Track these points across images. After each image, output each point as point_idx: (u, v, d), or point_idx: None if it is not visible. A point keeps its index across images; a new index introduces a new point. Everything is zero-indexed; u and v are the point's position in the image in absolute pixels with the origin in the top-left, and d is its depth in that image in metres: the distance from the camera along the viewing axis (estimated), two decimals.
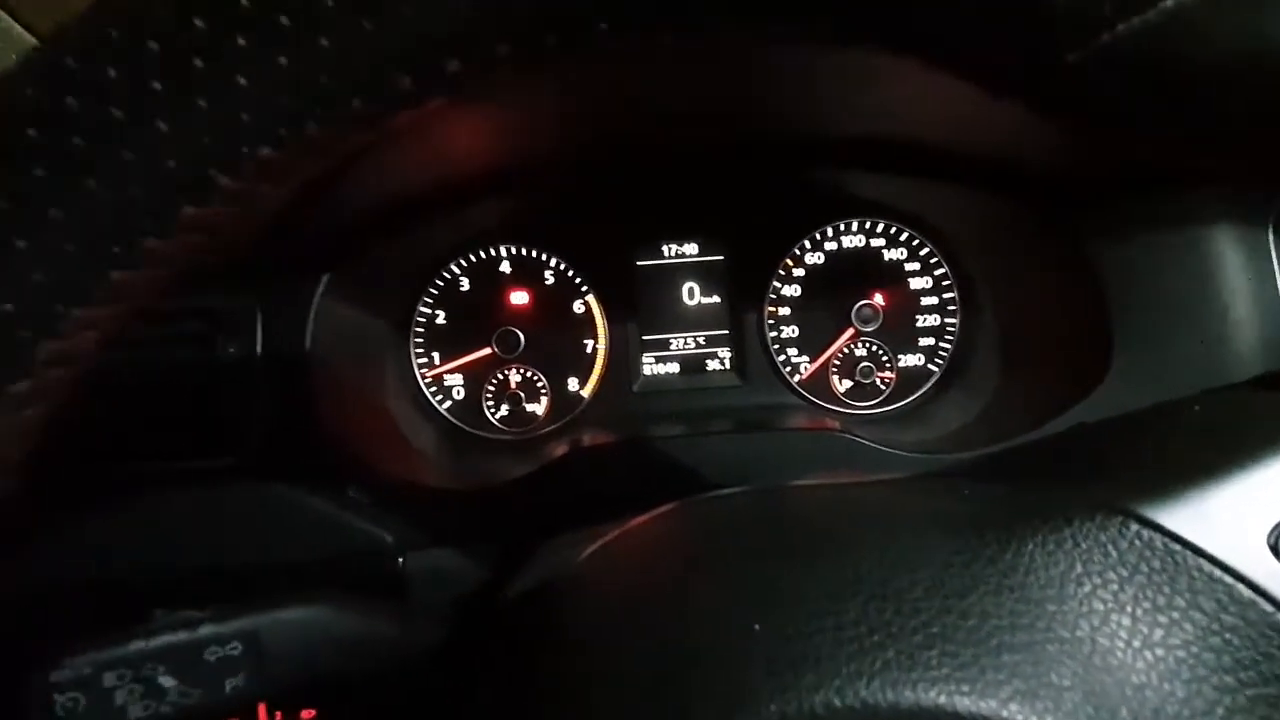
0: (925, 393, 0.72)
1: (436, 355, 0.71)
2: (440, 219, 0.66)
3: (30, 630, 0.34)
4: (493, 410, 0.71)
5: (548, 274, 0.71)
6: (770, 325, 0.72)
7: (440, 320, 0.70)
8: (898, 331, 0.72)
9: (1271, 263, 0.53)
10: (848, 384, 0.72)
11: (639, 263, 0.72)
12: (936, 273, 0.71)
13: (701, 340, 0.73)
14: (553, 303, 0.71)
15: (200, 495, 0.49)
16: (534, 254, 0.71)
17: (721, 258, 0.73)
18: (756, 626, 0.21)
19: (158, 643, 0.35)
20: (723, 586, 0.24)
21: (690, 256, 0.73)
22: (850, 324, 0.71)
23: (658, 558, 0.29)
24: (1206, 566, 0.21)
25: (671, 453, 0.60)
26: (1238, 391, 0.26)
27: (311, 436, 0.56)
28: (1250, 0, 0.17)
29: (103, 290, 0.16)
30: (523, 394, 0.71)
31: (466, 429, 0.72)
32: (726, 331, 0.73)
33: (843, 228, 0.72)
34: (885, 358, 0.72)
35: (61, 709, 0.34)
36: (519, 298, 0.71)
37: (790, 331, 0.72)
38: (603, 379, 0.72)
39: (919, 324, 0.72)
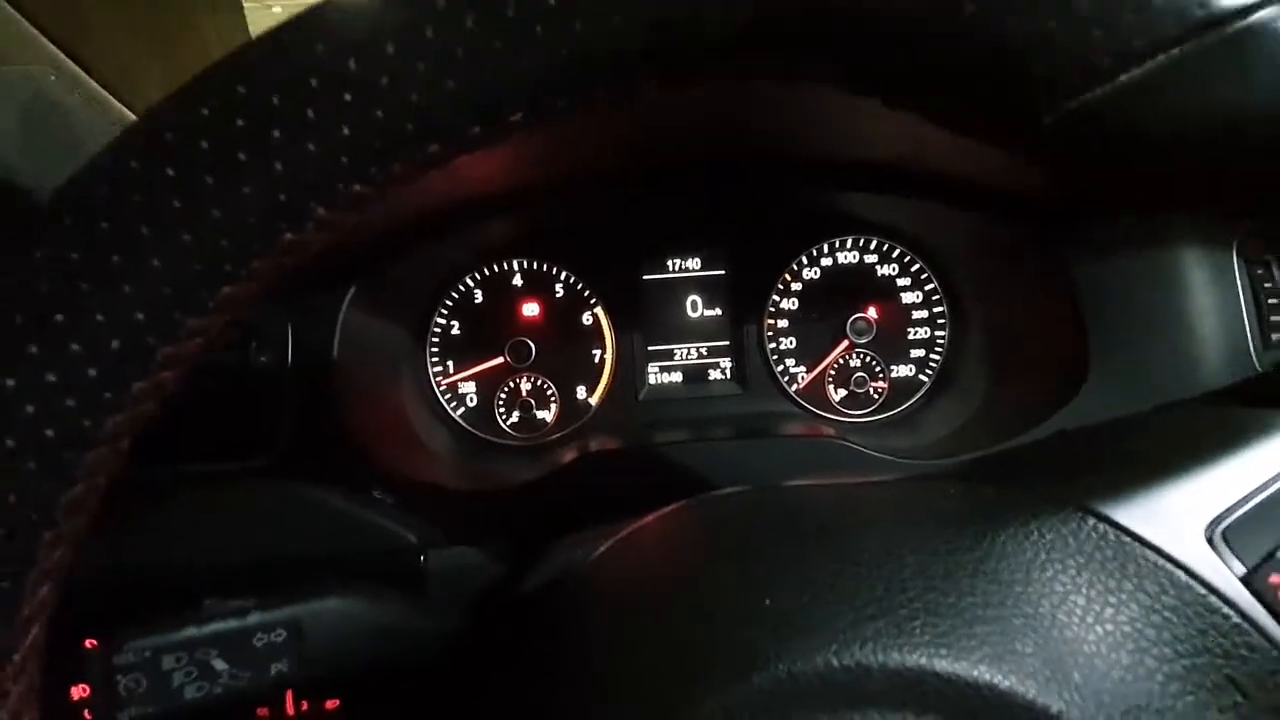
0: (916, 401, 0.76)
1: (451, 364, 0.74)
2: (456, 235, 0.69)
3: (94, 617, 0.37)
4: (504, 417, 0.75)
5: (558, 287, 0.75)
6: (769, 337, 0.76)
7: (455, 331, 0.74)
8: (890, 343, 0.75)
9: (1235, 281, 0.57)
10: (843, 393, 0.76)
11: (645, 277, 0.76)
12: (927, 288, 0.75)
13: (704, 351, 0.77)
14: (562, 314, 0.75)
15: (236, 495, 0.52)
16: (545, 268, 0.75)
17: (723, 272, 0.76)
18: (767, 601, 0.24)
19: (210, 629, 0.38)
20: (733, 571, 0.27)
21: (694, 271, 0.76)
22: (845, 336, 0.75)
23: (670, 549, 0.32)
24: (1151, 556, 0.24)
25: (675, 458, 0.64)
26: (1187, 406, 0.30)
27: (337, 440, 0.59)
28: (1200, 74, 0.20)
29: (214, 302, 0.19)
30: (533, 401, 0.74)
31: (479, 434, 0.75)
32: (728, 343, 0.77)
33: (838, 245, 0.75)
34: (878, 368, 0.76)
35: (124, 689, 0.37)
36: (530, 309, 0.75)
37: (788, 343, 0.76)
38: (610, 387, 0.75)
39: (910, 336, 0.76)
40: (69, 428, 0.18)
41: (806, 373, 0.76)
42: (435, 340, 0.74)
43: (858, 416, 0.76)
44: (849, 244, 0.75)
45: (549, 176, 0.68)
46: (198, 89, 0.18)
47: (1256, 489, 0.24)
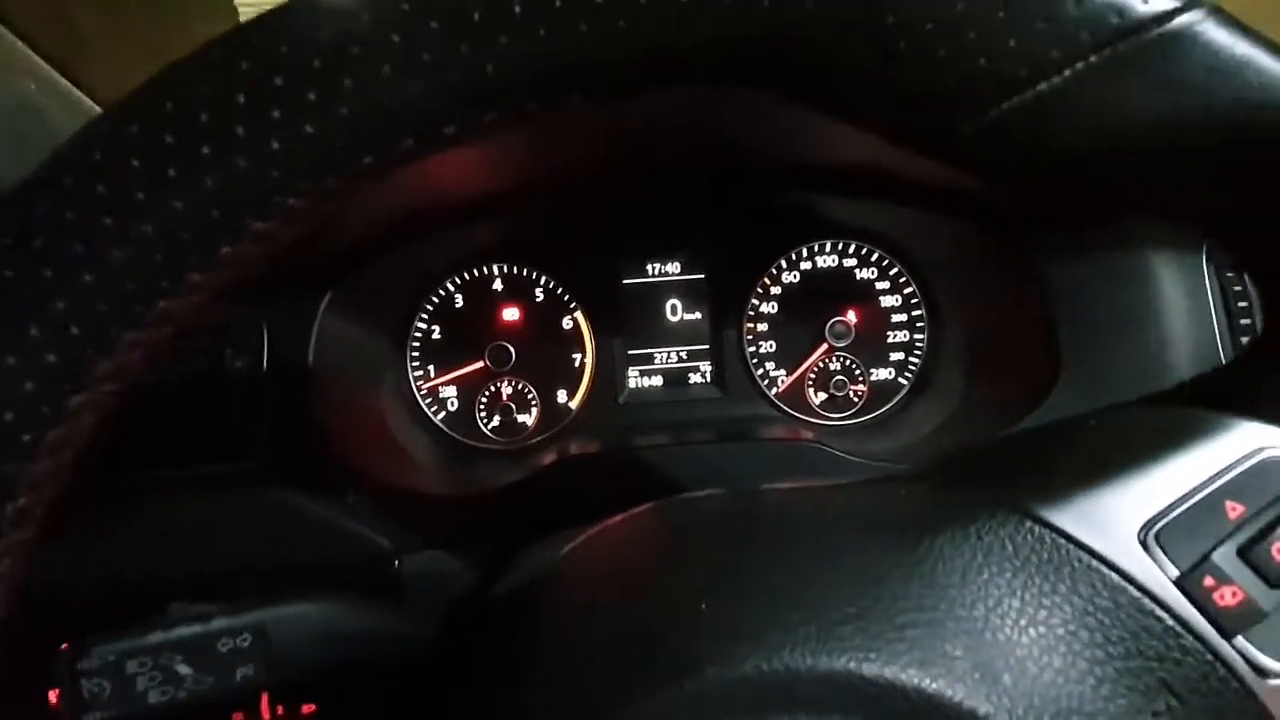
0: (895, 404, 0.76)
1: (431, 368, 0.74)
2: (435, 239, 0.70)
3: (57, 623, 0.37)
4: (485, 420, 0.75)
5: (538, 291, 0.75)
6: (749, 340, 0.76)
7: (435, 335, 0.74)
8: (869, 347, 0.76)
9: (1205, 285, 0.57)
10: (822, 396, 0.76)
11: (624, 281, 0.76)
12: (905, 291, 0.76)
13: (684, 355, 0.77)
14: (543, 319, 0.75)
15: (210, 500, 0.52)
16: (525, 272, 0.75)
17: (703, 276, 0.77)
18: (703, 606, 0.24)
19: (175, 634, 0.39)
20: (678, 574, 0.27)
21: (673, 275, 0.77)
22: (824, 340, 0.75)
23: (625, 552, 0.32)
24: (1086, 558, 0.24)
25: (654, 461, 0.64)
26: (1128, 409, 0.30)
27: (313, 446, 0.59)
28: (1118, 82, 0.20)
29: (184, 287, 0.19)
30: (514, 405, 0.75)
31: (460, 439, 0.75)
32: (708, 346, 0.77)
33: (817, 249, 0.76)
34: (858, 371, 0.76)
35: (88, 693, 0.37)
36: (510, 314, 0.75)
37: (768, 347, 0.76)
38: (590, 391, 0.76)
39: (889, 340, 0.76)
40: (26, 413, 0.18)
41: (786, 376, 0.76)
42: (415, 344, 0.74)
43: (837, 420, 0.76)
44: (828, 248, 0.76)
45: (529, 181, 0.68)
46: (164, 82, 0.18)
47: (1191, 490, 0.24)
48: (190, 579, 0.47)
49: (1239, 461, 0.24)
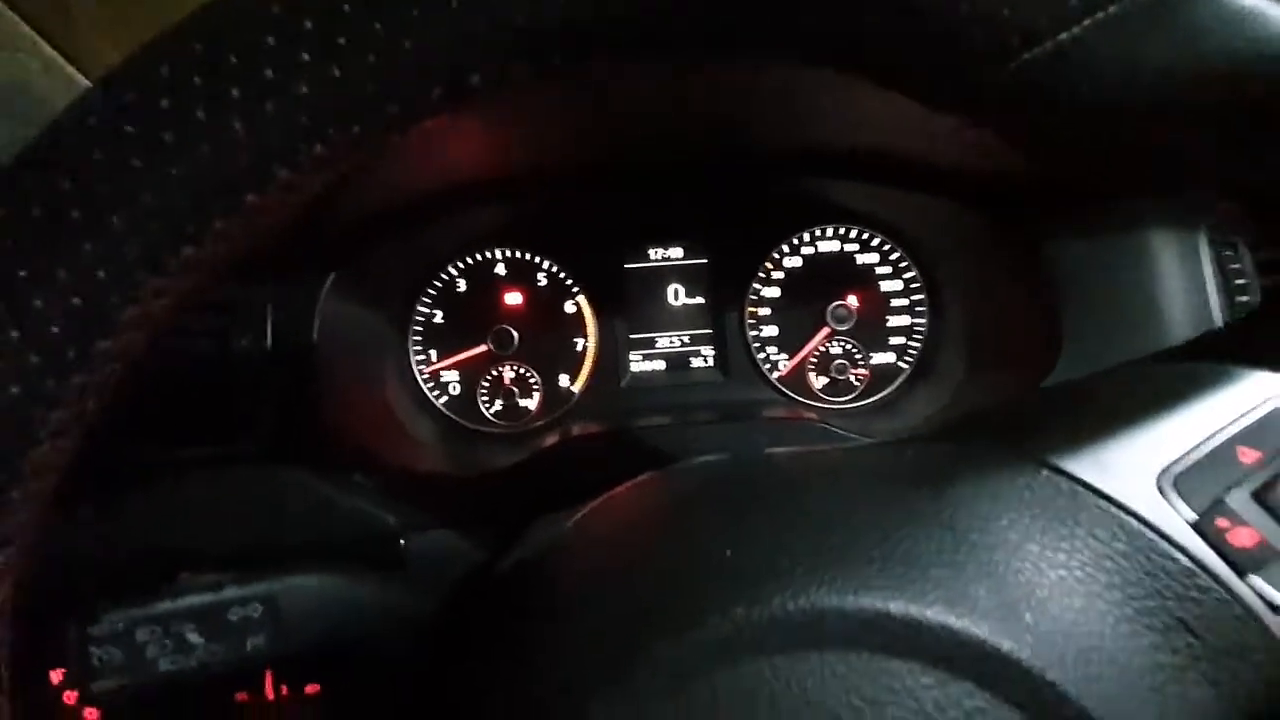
0: (896, 388, 0.77)
1: (434, 352, 0.74)
2: (439, 223, 0.70)
3: (71, 591, 0.37)
4: (487, 405, 0.75)
5: (540, 276, 0.75)
6: (751, 325, 0.76)
7: (438, 319, 0.74)
8: (870, 331, 0.76)
9: (1202, 265, 0.58)
10: (824, 380, 0.77)
11: (627, 265, 0.76)
12: (906, 276, 0.76)
13: (686, 339, 0.77)
14: (545, 303, 0.75)
15: (219, 478, 0.52)
16: (528, 257, 0.75)
17: (705, 261, 0.77)
18: (728, 553, 0.25)
19: (185, 603, 0.39)
20: (694, 529, 0.28)
21: (675, 260, 0.77)
22: (826, 324, 0.76)
23: (636, 513, 0.32)
24: (1103, 504, 0.25)
25: (656, 441, 0.64)
26: (1139, 365, 0.30)
27: (318, 426, 0.59)
28: (1134, 33, 0.21)
29: (177, 263, 0.19)
30: (516, 390, 0.75)
31: (463, 422, 0.75)
32: (710, 331, 0.77)
33: (819, 233, 0.76)
34: (859, 355, 0.76)
35: (97, 660, 0.37)
36: (513, 298, 0.75)
37: (770, 331, 0.77)
38: (592, 375, 0.76)
39: (890, 324, 0.76)
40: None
41: (788, 360, 0.77)
42: (418, 328, 0.74)
43: (839, 403, 0.77)
44: (829, 233, 0.76)
45: (532, 166, 0.68)
46: (156, 48, 0.18)
47: (1205, 438, 0.25)
48: (198, 555, 0.47)
49: (1251, 410, 0.25)
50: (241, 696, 0.52)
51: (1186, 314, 0.57)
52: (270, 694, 0.53)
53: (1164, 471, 0.25)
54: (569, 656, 0.25)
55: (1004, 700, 0.21)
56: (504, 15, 0.18)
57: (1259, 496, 0.23)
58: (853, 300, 0.76)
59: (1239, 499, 0.23)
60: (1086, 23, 0.20)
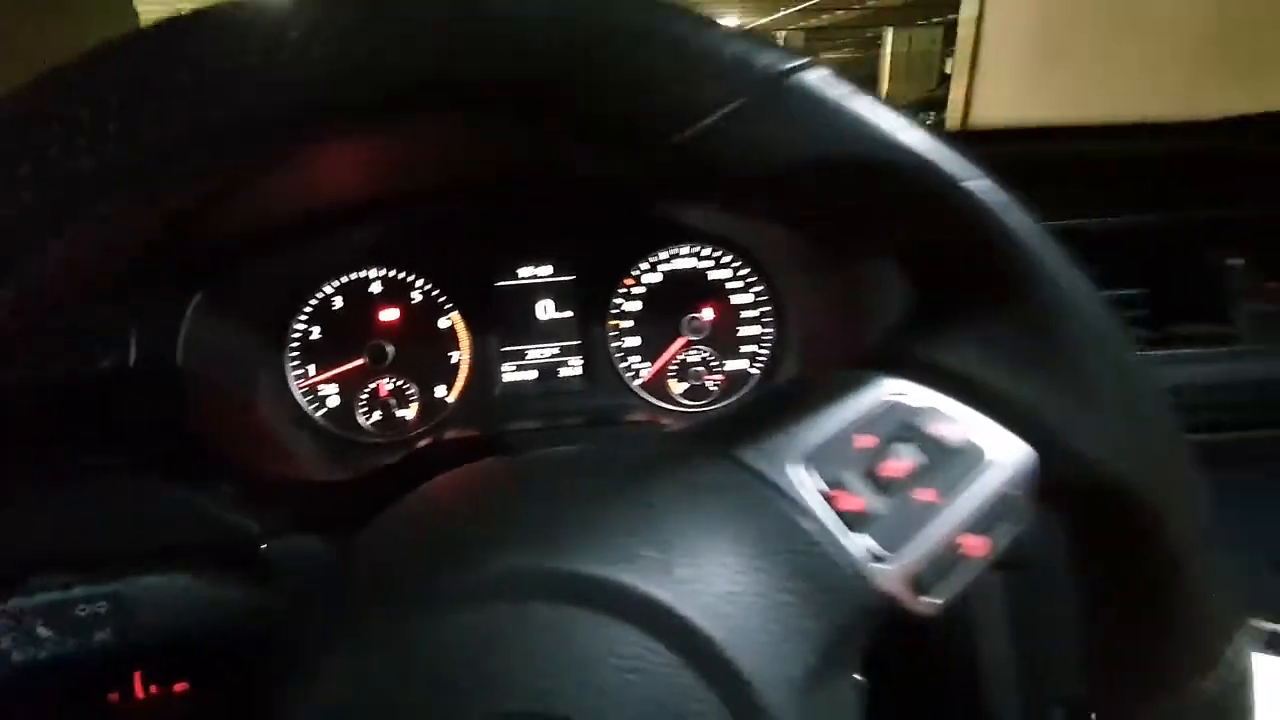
0: (747, 392, 0.85)
1: (312, 367, 0.78)
2: (312, 242, 0.74)
3: None
4: (366, 416, 0.79)
5: (415, 293, 0.80)
6: (614, 336, 0.83)
7: (314, 335, 0.78)
8: (723, 340, 0.84)
9: None
10: (684, 386, 0.84)
11: (498, 283, 0.82)
12: (755, 290, 0.84)
13: (555, 350, 0.83)
14: (420, 319, 0.80)
15: (83, 490, 0.55)
16: (402, 275, 0.80)
17: (573, 278, 0.83)
18: (473, 523, 0.31)
19: (35, 600, 0.42)
20: (461, 503, 0.34)
21: (544, 277, 0.83)
22: (683, 334, 0.83)
23: (434, 491, 0.38)
24: (759, 482, 0.32)
25: (524, 445, 0.70)
26: (818, 374, 0.38)
27: (187, 441, 0.63)
28: (760, 120, 0.28)
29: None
30: (393, 401, 0.79)
31: (341, 433, 0.79)
32: (578, 342, 0.84)
33: (676, 252, 0.84)
34: (714, 362, 0.84)
35: None
36: (389, 314, 0.79)
37: (633, 341, 0.84)
38: (467, 385, 0.81)
39: (740, 334, 0.84)
40: None
41: (650, 367, 0.84)
42: (294, 344, 0.78)
43: (697, 407, 0.84)
44: (685, 251, 0.84)
45: (403, 189, 0.73)
46: (45, 82, 0.22)
47: (841, 428, 0.32)
48: (55, 560, 0.50)
49: (875, 406, 0.33)
50: (113, 697, 0.55)
51: None
52: (140, 693, 0.56)
53: (807, 455, 0.32)
54: (355, 605, 0.31)
55: (655, 636, 0.28)
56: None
57: (866, 472, 0.31)
58: (707, 312, 0.84)
59: (851, 475, 0.31)
60: (722, 112, 0.27)
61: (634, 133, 0.28)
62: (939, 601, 0.31)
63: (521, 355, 0.83)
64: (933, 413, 0.33)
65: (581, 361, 0.84)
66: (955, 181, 0.30)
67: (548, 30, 0.26)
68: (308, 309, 0.77)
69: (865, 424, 0.32)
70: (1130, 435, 0.31)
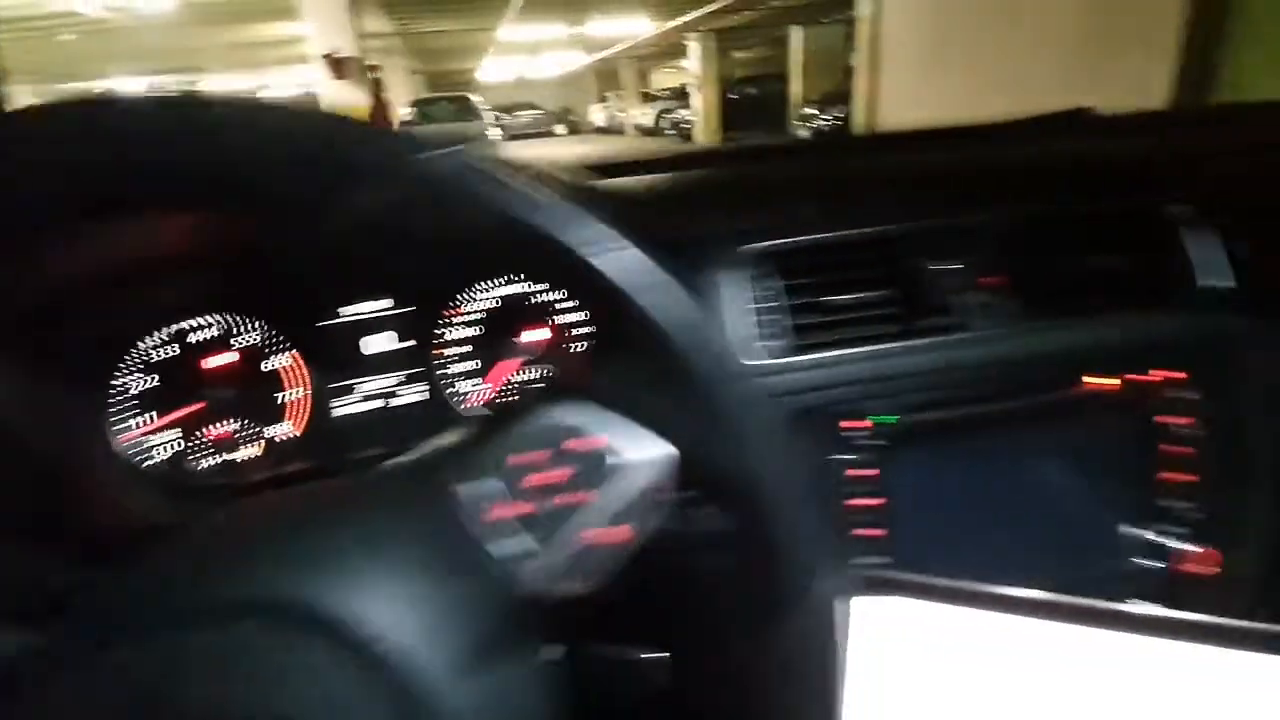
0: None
1: (142, 418, 0.80)
2: (133, 295, 0.76)
3: None
4: (205, 459, 0.81)
5: (250, 336, 0.83)
6: (451, 360, 0.88)
7: (144, 385, 0.79)
8: (552, 360, 0.90)
9: (749, 293, 0.76)
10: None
11: (333, 321, 0.85)
12: (580, 314, 0.90)
13: (396, 380, 0.87)
14: (254, 360, 0.83)
15: None
16: (236, 318, 0.82)
17: (412, 308, 0.88)
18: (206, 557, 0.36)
19: None
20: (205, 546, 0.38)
21: (379, 312, 0.87)
22: (515, 355, 0.88)
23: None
24: (450, 508, 0.38)
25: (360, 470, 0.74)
26: (516, 402, 0.45)
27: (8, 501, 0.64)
28: (414, 199, 0.33)
29: None
30: (233, 442, 0.82)
31: (181, 480, 0.81)
32: (414, 370, 0.88)
33: (504, 280, 0.89)
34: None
35: None
36: (223, 359, 0.82)
37: (468, 365, 0.88)
38: (307, 421, 0.84)
39: (569, 352, 0.90)
40: None
41: (482, 388, 0.89)
42: (121, 394, 0.79)
43: None
44: (512, 278, 0.89)
45: (221, 241, 0.76)
46: None
47: (505, 450, 0.38)
48: None
49: (539, 429, 0.39)
50: None
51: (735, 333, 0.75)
52: None
53: (482, 472, 0.38)
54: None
55: (340, 645, 0.33)
56: None
57: (526, 485, 0.37)
58: (539, 334, 0.89)
59: (513, 487, 0.37)
60: (382, 190, 0.33)
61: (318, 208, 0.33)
62: (580, 585, 0.37)
63: (360, 387, 0.86)
64: (587, 428, 0.39)
65: (417, 389, 0.88)
66: (571, 250, 0.36)
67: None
68: (137, 356, 0.79)
69: (529, 442, 0.38)
70: (730, 437, 0.39)
